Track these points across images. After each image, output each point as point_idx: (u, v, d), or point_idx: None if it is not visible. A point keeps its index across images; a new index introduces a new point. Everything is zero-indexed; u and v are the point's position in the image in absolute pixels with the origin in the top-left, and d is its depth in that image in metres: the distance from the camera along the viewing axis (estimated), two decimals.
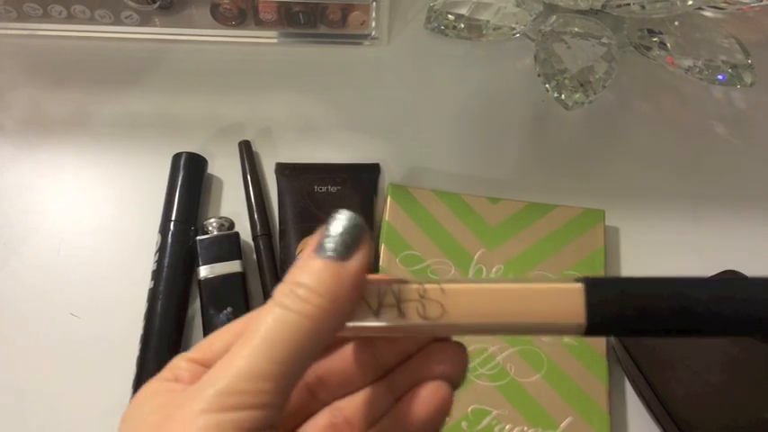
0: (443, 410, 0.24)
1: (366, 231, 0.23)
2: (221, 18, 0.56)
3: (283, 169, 0.51)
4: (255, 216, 0.49)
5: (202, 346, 0.25)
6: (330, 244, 0.23)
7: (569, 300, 0.23)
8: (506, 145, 0.54)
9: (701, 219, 0.51)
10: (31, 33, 0.57)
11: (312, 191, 0.50)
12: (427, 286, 0.24)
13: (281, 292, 0.23)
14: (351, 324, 0.24)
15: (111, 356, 0.46)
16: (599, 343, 0.45)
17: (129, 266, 0.48)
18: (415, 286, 0.24)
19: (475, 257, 0.47)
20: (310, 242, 0.23)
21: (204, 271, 0.46)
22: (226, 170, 0.52)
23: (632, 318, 0.23)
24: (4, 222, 0.50)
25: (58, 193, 0.52)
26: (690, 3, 0.49)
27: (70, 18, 0.56)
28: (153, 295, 0.46)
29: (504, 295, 0.24)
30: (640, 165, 0.53)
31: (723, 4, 0.55)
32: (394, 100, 0.56)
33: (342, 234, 0.23)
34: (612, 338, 0.45)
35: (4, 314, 0.47)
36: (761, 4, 0.53)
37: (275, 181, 0.51)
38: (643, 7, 0.50)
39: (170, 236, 0.47)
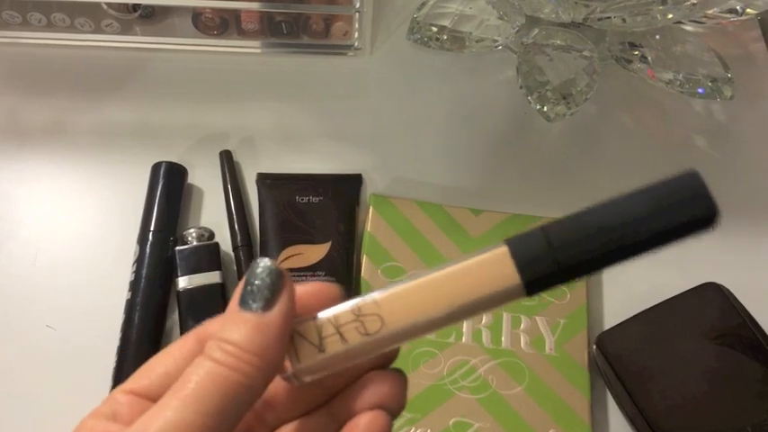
0: None
1: (285, 277, 0.24)
2: (203, 27, 0.56)
3: (265, 179, 0.51)
4: (236, 226, 0.49)
5: (140, 375, 0.25)
6: (251, 297, 0.23)
7: (500, 265, 0.23)
8: (489, 156, 0.54)
9: None
10: (10, 41, 0.56)
11: (294, 201, 0.49)
12: (360, 303, 0.24)
13: (210, 346, 0.23)
14: (300, 366, 0.24)
15: (88, 369, 0.45)
16: (581, 355, 0.45)
17: (107, 277, 0.48)
18: (348, 307, 0.24)
19: None
20: (234, 294, 0.24)
21: (183, 282, 0.45)
22: (206, 180, 0.52)
23: (565, 264, 0.22)
24: None
25: (35, 201, 0.51)
26: (670, 16, 0.49)
27: (50, 26, 0.56)
28: (130, 306, 0.45)
29: (436, 285, 0.23)
30: (621, 176, 0.53)
31: (703, 19, 0.55)
32: (376, 110, 0.56)
33: (260, 285, 0.23)
34: (594, 351, 0.45)
35: None
36: (740, 18, 0.53)
37: (256, 191, 0.50)
38: (624, 21, 0.50)
39: (148, 246, 0.47)
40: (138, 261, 0.46)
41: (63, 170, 0.52)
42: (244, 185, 0.51)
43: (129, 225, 0.49)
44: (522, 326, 0.45)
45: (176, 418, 0.21)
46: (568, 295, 0.46)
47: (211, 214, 0.50)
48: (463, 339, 0.45)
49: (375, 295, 0.24)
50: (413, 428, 0.42)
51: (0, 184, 0.51)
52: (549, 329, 0.45)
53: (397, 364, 0.44)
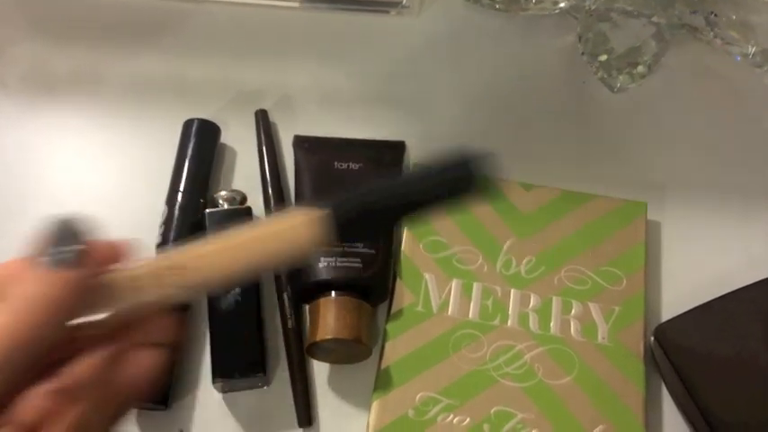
0: (148, 373, 0.27)
1: (81, 236, 0.25)
2: None
3: (302, 142, 0.48)
4: (270, 191, 0.47)
5: None
6: (49, 253, 0.24)
7: (294, 230, 0.28)
8: (542, 128, 0.51)
9: (751, 217, 0.47)
10: None
11: (332, 167, 0.46)
12: (169, 257, 0.27)
13: (1, 295, 0.24)
14: (110, 315, 0.27)
15: None
16: (637, 346, 0.41)
17: (133, 239, 0.46)
18: (155, 261, 0.27)
19: (504, 247, 0.44)
20: (34, 246, 0.25)
21: None
22: (240, 140, 0.49)
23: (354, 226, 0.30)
24: (2, 187, 0.48)
25: (61, 157, 0.49)
26: None
27: None
28: None
29: (237, 249, 0.28)
30: (687, 156, 0.49)
31: None
32: (422, 74, 0.53)
33: (56, 246, 0.24)
34: (652, 343, 0.42)
35: None
36: None
37: (292, 154, 0.48)
38: None
39: (177, 208, 0.45)
40: (166, 223, 0.44)
41: (90, 124, 0.50)
42: (279, 148, 0.49)
43: (158, 184, 0.47)
44: (572, 311, 0.42)
45: None
46: (624, 281, 0.43)
47: (244, 177, 0.48)
48: (509, 323, 0.42)
49: (181, 251, 0.27)
50: (451, 415, 0.39)
51: (23, 136, 0.49)
52: (602, 317, 0.42)
53: (436, 345, 0.43)
